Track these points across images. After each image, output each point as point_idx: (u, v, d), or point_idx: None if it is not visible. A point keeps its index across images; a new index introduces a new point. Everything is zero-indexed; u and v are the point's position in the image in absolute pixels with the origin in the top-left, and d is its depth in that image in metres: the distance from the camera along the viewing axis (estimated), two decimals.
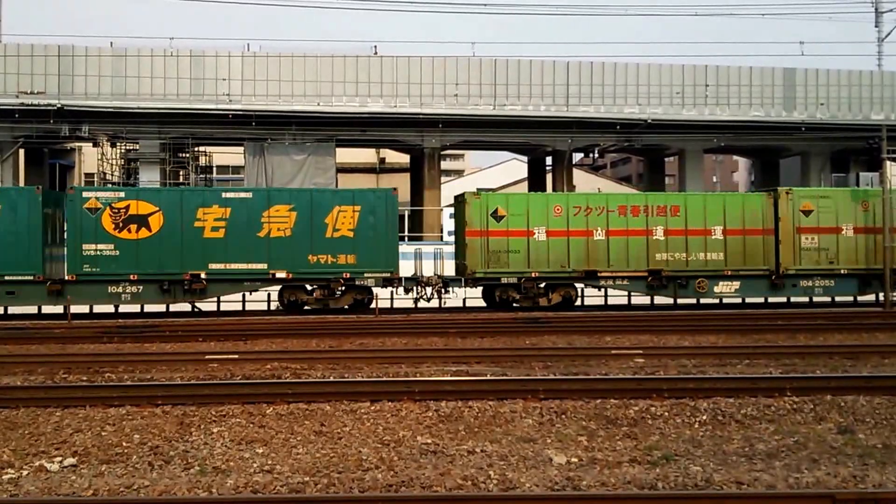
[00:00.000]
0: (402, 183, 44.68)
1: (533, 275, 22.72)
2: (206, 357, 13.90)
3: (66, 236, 21.63)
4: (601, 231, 23.00)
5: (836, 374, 11.81)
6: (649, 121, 35.27)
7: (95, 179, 39.88)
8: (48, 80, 32.02)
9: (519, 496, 6.78)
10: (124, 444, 8.52)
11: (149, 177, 33.53)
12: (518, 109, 34.93)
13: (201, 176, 36.90)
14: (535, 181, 42.70)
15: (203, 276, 21.57)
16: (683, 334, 17.26)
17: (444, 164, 49.40)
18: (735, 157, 62.40)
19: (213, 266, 21.62)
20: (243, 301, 23.99)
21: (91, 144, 37.07)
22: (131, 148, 34.98)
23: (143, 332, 17.73)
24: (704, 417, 9.49)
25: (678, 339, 16.64)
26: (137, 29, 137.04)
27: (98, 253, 21.16)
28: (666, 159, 44.82)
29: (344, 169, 45.83)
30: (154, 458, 8.00)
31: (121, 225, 21.27)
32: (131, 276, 21.36)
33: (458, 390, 10.47)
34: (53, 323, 20.40)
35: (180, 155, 34.86)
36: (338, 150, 35.72)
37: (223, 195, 22.28)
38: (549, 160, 40.94)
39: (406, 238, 33.31)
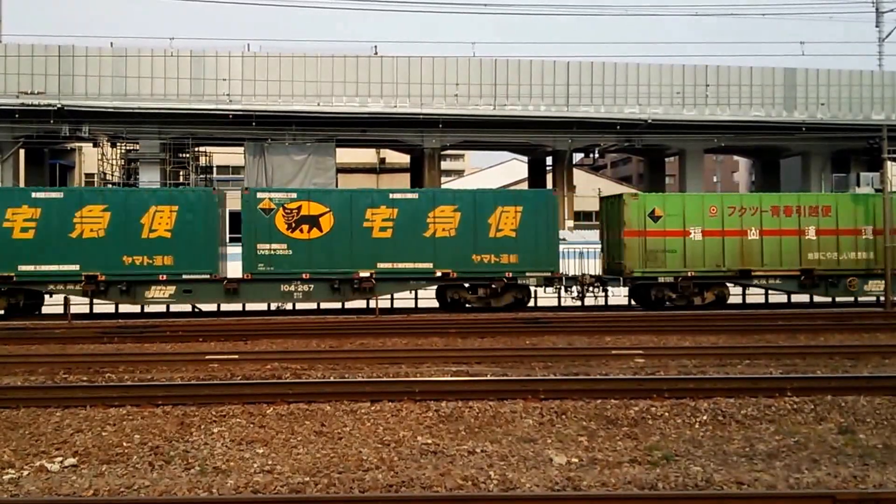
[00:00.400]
0: (403, 183, 44.79)
1: (689, 274, 23.02)
2: (207, 357, 13.89)
3: (242, 236, 22.09)
4: (755, 231, 23.34)
5: (836, 375, 11.79)
6: (650, 121, 35.29)
7: (96, 180, 39.92)
8: (48, 81, 32.05)
9: (519, 496, 6.78)
10: (125, 444, 8.52)
11: (149, 177, 33.56)
12: (518, 109, 34.95)
13: (201, 176, 36.93)
14: (536, 181, 42.71)
15: (372, 275, 21.93)
16: (684, 334, 17.23)
17: (445, 165, 49.42)
18: (735, 158, 62.43)
19: (381, 265, 22.01)
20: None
21: (91, 145, 37.12)
22: (131, 148, 35.03)
23: (143, 332, 17.72)
24: (705, 418, 9.49)
25: (678, 340, 16.63)
26: (137, 29, 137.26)
27: (272, 252, 21.64)
28: (666, 159, 44.84)
29: (344, 169, 45.86)
30: (154, 459, 8.00)
31: (293, 225, 21.73)
32: (304, 276, 21.73)
33: (458, 390, 10.46)
34: (54, 323, 20.38)
35: (180, 155, 34.90)
36: (338, 150, 35.75)
37: (390, 196, 22.67)
38: (549, 160, 40.96)
39: None
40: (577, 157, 43.56)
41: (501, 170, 57.36)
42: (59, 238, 20.95)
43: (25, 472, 7.65)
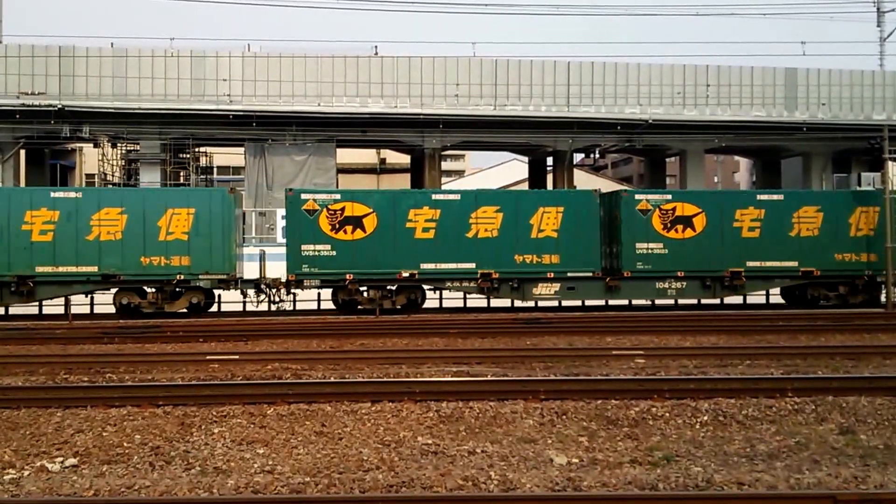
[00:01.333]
0: (403, 183, 44.76)
1: None
2: (207, 358, 13.90)
3: (621, 236, 22.94)
4: None
5: (837, 375, 11.79)
6: (650, 121, 35.25)
7: (96, 180, 39.96)
8: (49, 81, 32.05)
9: (519, 497, 6.78)
10: (125, 444, 8.53)
11: (149, 178, 33.55)
12: (518, 110, 34.93)
13: (201, 177, 36.93)
14: (536, 181, 42.71)
15: (742, 273, 22.91)
16: (684, 335, 17.22)
17: (445, 165, 49.44)
18: (736, 158, 62.31)
19: (749, 264, 23.03)
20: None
21: (92, 145, 37.11)
22: (132, 149, 35.02)
23: (144, 332, 17.72)
24: (705, 418, 9.48)
25: (679, 340, 16.62)
26: (137, 29, 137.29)
27: (649, 251, 22.80)
28: (667, 159, 44.80)
29: (344, 169, 45.84)
30: (155, 459, 8.01)
31: (669, 225, 22.82)
32: (678, 273, 22.79)
33: (458, 391, 10.46)
34: (55, 323, 20.39)
35: (181, 155, 34.90)
36: (338, 150, 35.73)
37: (757, 197, 23.77)
38: (549, 160, 40.94)
39: None
40: (578, 157, 43.53)
41: (502, 170, 57.34)
42: (456, 238, 22.08)
43: (26, 473, 7.65)
